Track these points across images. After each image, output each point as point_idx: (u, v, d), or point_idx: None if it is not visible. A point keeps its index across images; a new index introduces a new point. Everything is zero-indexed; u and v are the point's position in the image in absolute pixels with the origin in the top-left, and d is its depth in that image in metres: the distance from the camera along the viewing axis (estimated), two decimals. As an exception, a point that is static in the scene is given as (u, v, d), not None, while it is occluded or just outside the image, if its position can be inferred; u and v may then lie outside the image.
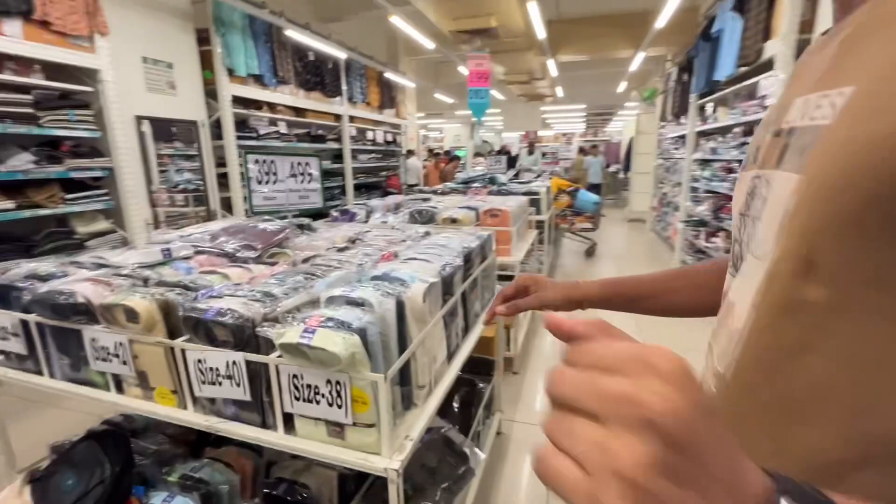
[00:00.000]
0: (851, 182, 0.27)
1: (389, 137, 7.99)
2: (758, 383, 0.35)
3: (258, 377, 0.96)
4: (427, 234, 1.85)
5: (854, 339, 0.29)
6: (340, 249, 1.67)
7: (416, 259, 1.40)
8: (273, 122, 5.08)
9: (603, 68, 10.05)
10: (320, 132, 6.13)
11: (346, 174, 6.55)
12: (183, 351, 1.01)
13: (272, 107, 5.00)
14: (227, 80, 4.19)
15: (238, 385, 0.97)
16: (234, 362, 0.96)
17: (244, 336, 0.95)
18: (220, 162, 4.27)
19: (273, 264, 1.51)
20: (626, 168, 10.89)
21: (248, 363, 0.95)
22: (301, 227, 1.90)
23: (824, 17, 2.54)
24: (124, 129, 3.28)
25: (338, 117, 6.27)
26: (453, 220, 2.43)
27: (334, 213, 2.94)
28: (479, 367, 1.97)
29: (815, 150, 0.31)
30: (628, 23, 6.65)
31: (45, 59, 2.78)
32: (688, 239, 4.94)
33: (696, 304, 0.63)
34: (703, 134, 4.87)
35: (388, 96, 7.83)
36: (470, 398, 1.75)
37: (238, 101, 4.47)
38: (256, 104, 4.79)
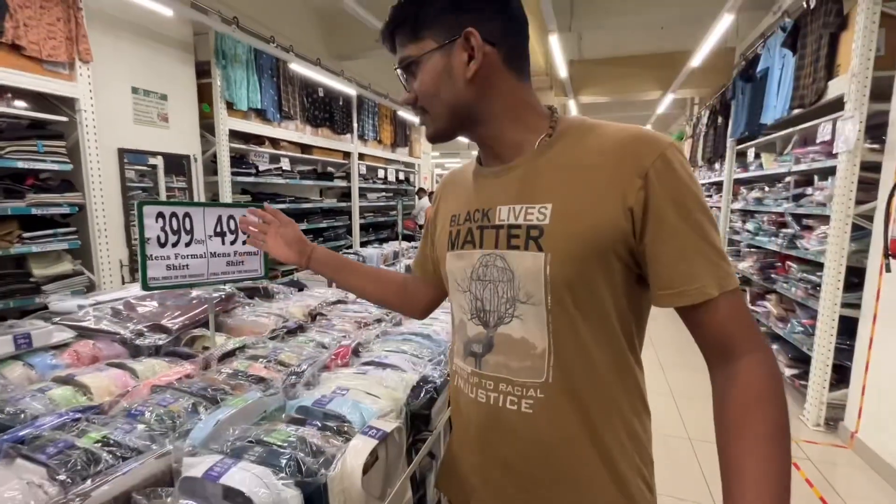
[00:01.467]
0: (575, 254, 0.56)
1: (401, 176, 7.72)
2: (570, 378, 0.60)
3: None
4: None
5: (592, 333, 0.60)
6: (290, 332, 1.23)
7: (382, 363, 0.95)
8: (275, 159, 4.81)
9: (628, 111, 9.77)
10: (329, 169, 5.86)
11: (353, 213, 6.23)
12: (-82, 566, 0.55)
13: (275, 142, 4.75)
14: (225, 114, 3.95)
15: None
16: None
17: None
18: (216, 199, 3.97)
19: (189, 356, 1.07)
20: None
21: None
22: (252, 293, 1.47)
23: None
24: (102, 163, 2.99)
25: (347, 154, 6.01)
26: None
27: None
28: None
29: (545, 238, 0.58)
30: (657, 63, 6.31)
31: (12, 85, 2.52)
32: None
33: (374, 292, 0.90)
34: (742, 182, 4.39)
35: (402, 134, 7.61)
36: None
37: (238, 135, 4.21)
38: (258, 139, 4.54)
